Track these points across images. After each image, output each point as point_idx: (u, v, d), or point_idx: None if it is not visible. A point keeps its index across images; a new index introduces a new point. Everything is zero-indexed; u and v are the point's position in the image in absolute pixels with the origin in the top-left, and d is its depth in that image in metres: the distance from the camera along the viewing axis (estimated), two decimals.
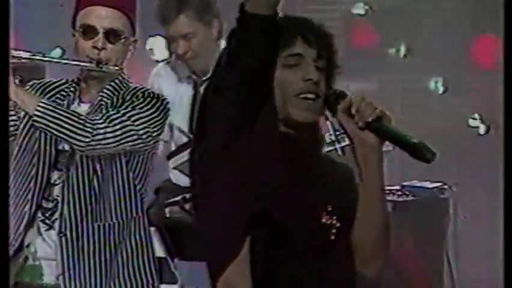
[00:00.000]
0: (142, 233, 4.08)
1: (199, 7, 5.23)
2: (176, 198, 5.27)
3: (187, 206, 5.18)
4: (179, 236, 5.38)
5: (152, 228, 4.49)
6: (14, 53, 3.89)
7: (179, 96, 5.31)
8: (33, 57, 4.07)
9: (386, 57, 8.97)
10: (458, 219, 7.19)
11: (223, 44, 4.93)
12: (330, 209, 2.93)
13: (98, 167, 3.88)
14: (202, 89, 4.65)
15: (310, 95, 2.90)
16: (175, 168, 5.36)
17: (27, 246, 3.95)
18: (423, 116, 8.85)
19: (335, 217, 2.94)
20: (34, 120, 3.75)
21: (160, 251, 4.92)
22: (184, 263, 5.71)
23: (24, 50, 4.07)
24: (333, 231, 2.95)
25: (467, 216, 7.43)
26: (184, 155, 5.09)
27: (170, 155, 5.51)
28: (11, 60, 3.78)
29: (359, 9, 8.98)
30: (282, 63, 2.90)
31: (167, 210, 5.35)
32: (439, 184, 7.39)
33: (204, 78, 5.08)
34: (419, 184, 7.35)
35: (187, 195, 5.05)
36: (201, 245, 3.06)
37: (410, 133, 2.95)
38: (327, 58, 2.98)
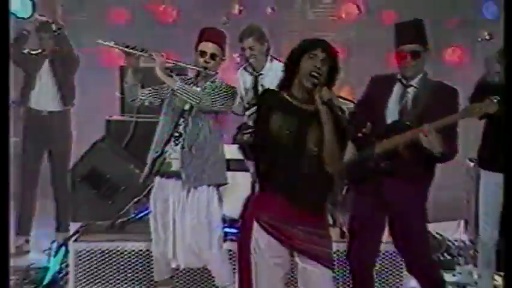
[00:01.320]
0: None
1: (259, 34, 7.87)
2: (248, 131, 7.91)
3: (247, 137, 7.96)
4: (247, 149, 7.63)
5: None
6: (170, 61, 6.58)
7: (245, 81, 8.02)
8: (178, 63, 6.67)
9: None
10: None
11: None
12: (313, 141, 4.84)
13: (202, 116, 6.29)
14: (259, 79, 7.88)
15: (315, 74, 4.77)
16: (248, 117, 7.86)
17: (166, 151, 6.32)
18: None
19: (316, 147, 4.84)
20: (174, 91, 6.15)
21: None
22: None
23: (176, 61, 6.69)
24: (314, 153, 4.83)
25: None
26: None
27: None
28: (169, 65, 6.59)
29: None
30: (307, 56, 4.84)
31: (244, 136, 7.91)
32: None
33: (258, 73, 7.87)
34: None
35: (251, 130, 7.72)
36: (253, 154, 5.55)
37: None
38: (330, 60, 4.87)
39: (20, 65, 7.50)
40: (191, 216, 6.26)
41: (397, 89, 6.01)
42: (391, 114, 6.00)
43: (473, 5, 9.27)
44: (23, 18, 8.93)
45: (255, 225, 4.90)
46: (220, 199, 6.42)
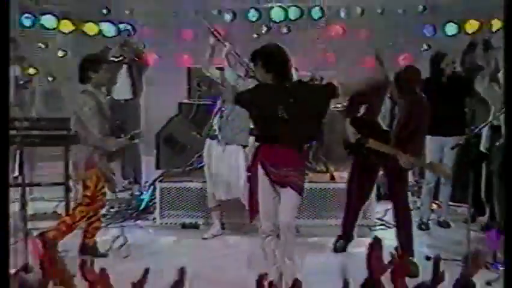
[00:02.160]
0: None
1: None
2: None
3: None
4: None
5: None
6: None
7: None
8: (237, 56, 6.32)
9: None
10: None
11: None
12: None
13: None
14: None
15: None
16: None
17: (213, 121, 6.26)
18: None
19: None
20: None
21: None
22: None
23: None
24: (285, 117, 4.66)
25: None
26: None
27: None
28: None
29: None
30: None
31: None
32: None
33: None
34: None
35: None
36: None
37: None
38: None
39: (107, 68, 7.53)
40: (226, 164, 6.37)
41: None
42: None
43: (418, 28, 9.25)
44: (110, 37, 9.28)
45: (259, 166, 4.93)
46: (244, 154, 6.33)
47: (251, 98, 4.90)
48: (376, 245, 3.04)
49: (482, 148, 6.50)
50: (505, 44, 3.69)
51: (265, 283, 2.93)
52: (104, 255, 5.85)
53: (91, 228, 5.87)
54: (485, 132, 6.34)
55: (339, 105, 7.48)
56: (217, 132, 6.37)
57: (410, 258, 5.40)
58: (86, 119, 5.57)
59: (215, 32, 6.22)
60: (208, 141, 6.49)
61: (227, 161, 6.36)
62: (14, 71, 7.36)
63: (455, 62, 6.79)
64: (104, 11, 9.54)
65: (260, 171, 4.93)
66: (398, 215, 5.84)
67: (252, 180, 5.08)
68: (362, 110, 5.81)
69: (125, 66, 8.03)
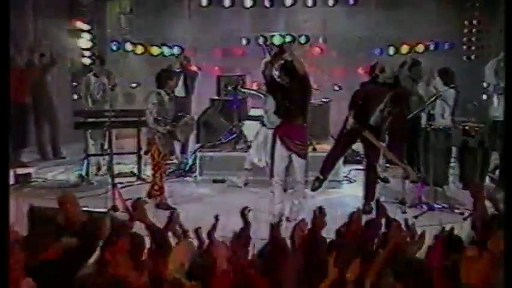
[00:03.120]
0: None
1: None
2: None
3: None
4: None
5: None
6: None
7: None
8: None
9: None
10: None
11: None
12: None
13: None
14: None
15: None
16: None
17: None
18: None
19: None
20: None
21: None
22: None
23: None
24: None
25: None
26: None
27: None
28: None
29: None
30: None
31: None
32: None
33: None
34: None
35: None
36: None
37: None
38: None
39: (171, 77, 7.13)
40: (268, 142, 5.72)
41: None
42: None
43: (370, 49, 9.10)
44: (167, 56, 9.08)
45: (277, 136, 5.07)
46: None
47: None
48: (320, 213, 3.01)
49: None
50: (505, 44, 2.92)
51: (247, 212, 2.98)
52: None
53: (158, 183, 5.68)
54: (424, 116, 5.95)
55: (319, 101, 7.40)
56: (265, 120, 6.06)
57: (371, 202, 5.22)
58: (149, 110, 5.52)
59: (271, 51, 5.55)
60: (259, 125, 6.28)
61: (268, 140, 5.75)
62: (103, 79, 7.26)
63: (383, 70, 6.39)
64: (163, 38, 9.47)
65: (277, 139, 5.03)
66: (368, 173, 5.64)
67: (274, 143, 5.12)
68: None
69: (182, 74, 7.79)
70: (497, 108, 6.03)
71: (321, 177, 5.81)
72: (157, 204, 5.52)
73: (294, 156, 5.06)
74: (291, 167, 5.17)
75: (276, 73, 5.10)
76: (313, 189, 5.78)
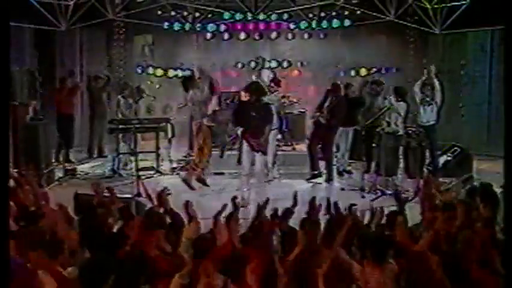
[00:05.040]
0: None
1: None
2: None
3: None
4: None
5: None
6: None
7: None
8: None
9: None
10: None
11: None
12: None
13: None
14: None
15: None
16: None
17: None
18: None
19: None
20: None
21: None
22: None
23: None
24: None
25: None
26: None
27: None
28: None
29: None
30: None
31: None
32: None
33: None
34: None
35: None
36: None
37: None
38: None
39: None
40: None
41: None
42: None
43: (337, 72, 8.93)
44: (180, 77, 8.47)
45: (244, 140, 5.08)
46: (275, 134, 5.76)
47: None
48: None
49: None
50: (505, 43, 2.33)
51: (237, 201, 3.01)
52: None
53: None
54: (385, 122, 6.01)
55: (298, 111, 7.41)
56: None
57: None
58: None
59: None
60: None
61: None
62: (129, 100, 6.95)
63: (349, 88, 6.67)
64: (177, 64, 9.28)
65: (244, 142, 5.05)
66: (327, 157, 5.93)
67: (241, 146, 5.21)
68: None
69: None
70: (423, 116, 6.32)
71: (314, 174, 6.02)
72: (197, 179, 5.60)
73: (255, 153, 5.04)
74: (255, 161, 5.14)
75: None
76: (308, 179, 6.03)
